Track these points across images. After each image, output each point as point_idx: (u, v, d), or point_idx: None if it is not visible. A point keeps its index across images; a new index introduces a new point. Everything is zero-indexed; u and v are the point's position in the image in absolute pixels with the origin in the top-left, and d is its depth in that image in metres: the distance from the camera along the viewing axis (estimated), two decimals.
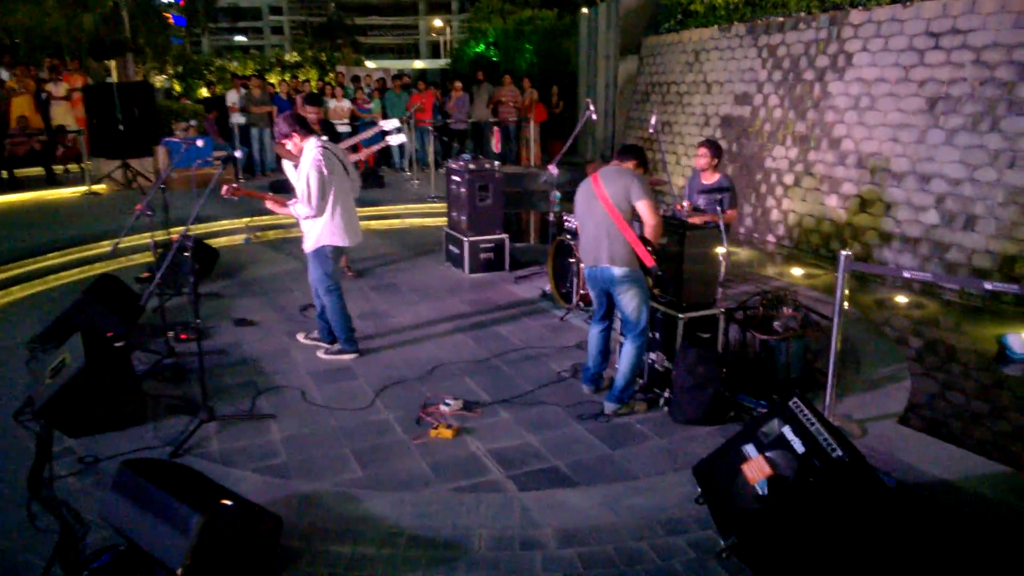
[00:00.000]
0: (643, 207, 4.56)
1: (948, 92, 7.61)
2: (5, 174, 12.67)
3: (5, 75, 14.51)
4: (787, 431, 3.25)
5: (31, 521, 3.55)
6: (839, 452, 3.05)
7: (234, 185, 5.23)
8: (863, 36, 8.65)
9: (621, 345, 4.92)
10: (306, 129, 5.36)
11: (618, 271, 4.63)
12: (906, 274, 4.23)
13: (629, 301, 4.69)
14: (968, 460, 4.15)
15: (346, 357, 5.75)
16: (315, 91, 14.92)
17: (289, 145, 5.35)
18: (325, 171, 5.23)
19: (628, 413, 4.78)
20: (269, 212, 5.90)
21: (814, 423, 3.21)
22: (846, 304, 4.37)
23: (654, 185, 7.12)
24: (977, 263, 7.18)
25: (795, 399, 3.38)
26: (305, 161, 5.24)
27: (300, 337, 6.10)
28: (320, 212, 5.30)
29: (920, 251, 7.71)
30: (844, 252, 4.28)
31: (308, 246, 5.55)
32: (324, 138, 5.70)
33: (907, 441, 4.38)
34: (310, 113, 7.57)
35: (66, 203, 11.76)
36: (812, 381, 5.00)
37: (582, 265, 4.91)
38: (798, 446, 3.16)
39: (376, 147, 7.65)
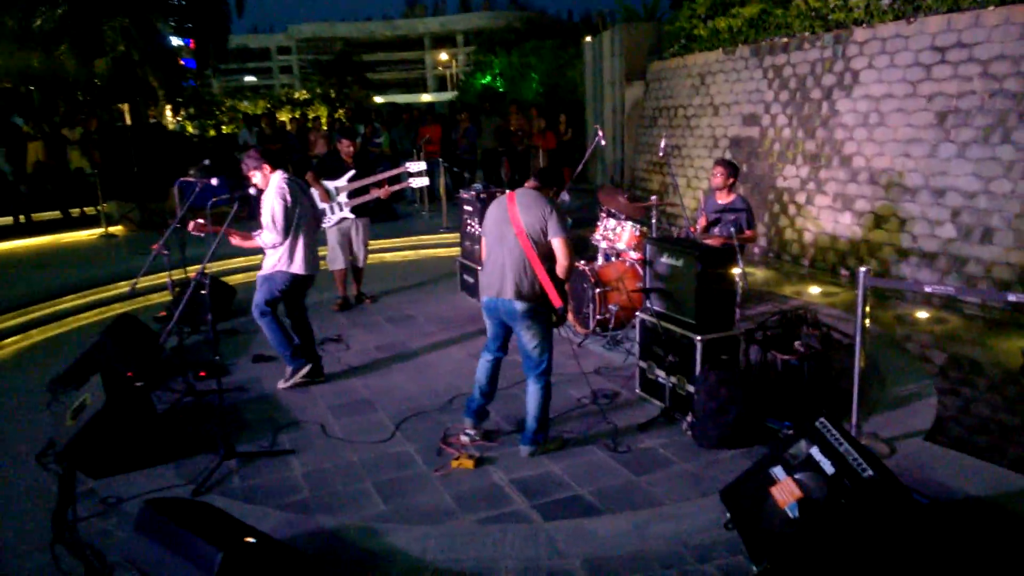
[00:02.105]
0: (558, 245, 4.30)
1: (957, 105, 7.60)
2: (23, 218, 12.85)
3: (20, 121, 14.79)
4: (815, 452, 3.21)
5: (56, 564, 3.53)
6: (869, 472, 3.00)
7: (200, 221, 5.42)
8: (868, 53, 8.67)
9: (526, 386, 4.58)
10: (272, 164, 5.58)
11: (520, 306, 4.32)
12: (927, 288, 4.20)
13: (531, 338, 4.41)
14: (998, 475, 4.07)
15: (301, 374, 5.79)
16: (346, 124, 15.10)
17: (258, 178, 5.54)
18: (289, 200, 5.45)
19: (543, 452, 4.56)
20: None
21: (842, 443, 3.17)
22: (867, 321, 4.33)
23: (667, 206, 7.12)
24: (997, 275, 7.11)
25: (821, 419, 3.34)
26: (270, 191, 5.47)
27: (280, 384, 5.91)
28: (285, 240, 5.50)
29: (938, 265, 7.64)
30: (863, 268, 4.25)
31: (263, 270, 5.69)
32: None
33: (936, 458, 4.31)
34: (346, 146, 7.65)
35: (83, 245, 11.90)
36: (837, 400, 4.94)
37: (482, 296, 4.59)
38: (827, 467, 3.11)
39: (399, 186, 7.66)
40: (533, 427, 4.56)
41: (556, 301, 4.36)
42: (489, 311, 4.57)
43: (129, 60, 14.20)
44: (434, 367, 6.26)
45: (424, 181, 7.90)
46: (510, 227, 4.36)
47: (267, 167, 5.54)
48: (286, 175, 5.62)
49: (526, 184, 4.62)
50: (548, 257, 4.36)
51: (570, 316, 7.01)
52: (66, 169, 13.90)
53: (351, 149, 7.69)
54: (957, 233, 7.51)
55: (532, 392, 4.54)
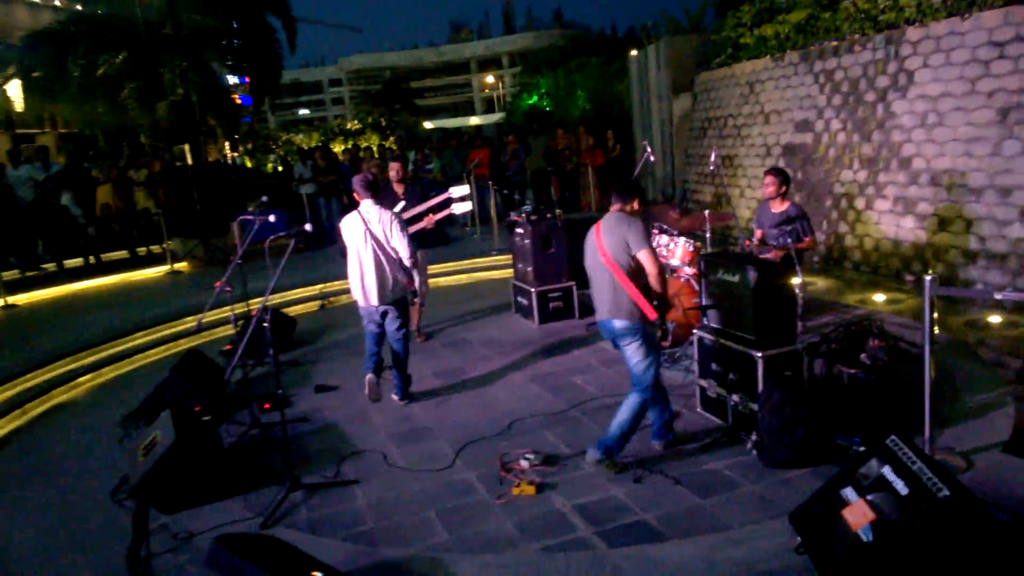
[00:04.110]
0: (643, 257, 4.45)
1: (1020, 101, 7.32)
2: (92, 259, 13.37)
3: (87, 165, 15.46)
4: (887, 472, 3.10)
5: None
6: (945, 491, 2.89)
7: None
8: (923, 52, 8.44)
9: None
10: (371, 194, 5.89)
11: (619, 324, 4.52)
12: (998, 296, 4.03)
13: (633, 354, 4.56)
14: None
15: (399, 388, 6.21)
16: (397, 152, 15.38)
17: None
18: (342, 231, 5.95)
19: (607, 468, 4.54)
20: (338, 278, 6.09)
21: (916, 461, 3.05)
22: (936, 330, 4.18)
23: (722, 220, 7.02)
24: None
25: (892, 437, 3.22)
26: None
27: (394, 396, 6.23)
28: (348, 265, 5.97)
29: (1008, 266, 7.35)
30: (928, 277, 4.11)
31: None
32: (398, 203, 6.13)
33: (1016, 471, 4.13)
34: (395, 169, 7.60)
35: (150, 283, 12.32)
36: (908, 413, 4.76)
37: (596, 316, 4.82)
38: (900, 487, 3.00)
39: (442, 214, 7.45)
40: (615, 435, 4.58)
41: (650, 314, 4.48)
42: (602, 331, 4.81)
43: (188, 102, 14.70)
44: (491, 392, 6.27)
45: (468, 206, 7.86)
46: (598, 254, 4.57)
47: (359, 197, 5.90)
48: (362, 207, 5.87)
49: (611, 207, 4.76)
50: (640, 273, 4.50)
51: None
52: (133, 210, 14.44)
53: (398, 174, 7.52)
54: None
55: (629, 401, 4.61)
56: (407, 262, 5.87)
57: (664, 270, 4.58)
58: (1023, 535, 3.45)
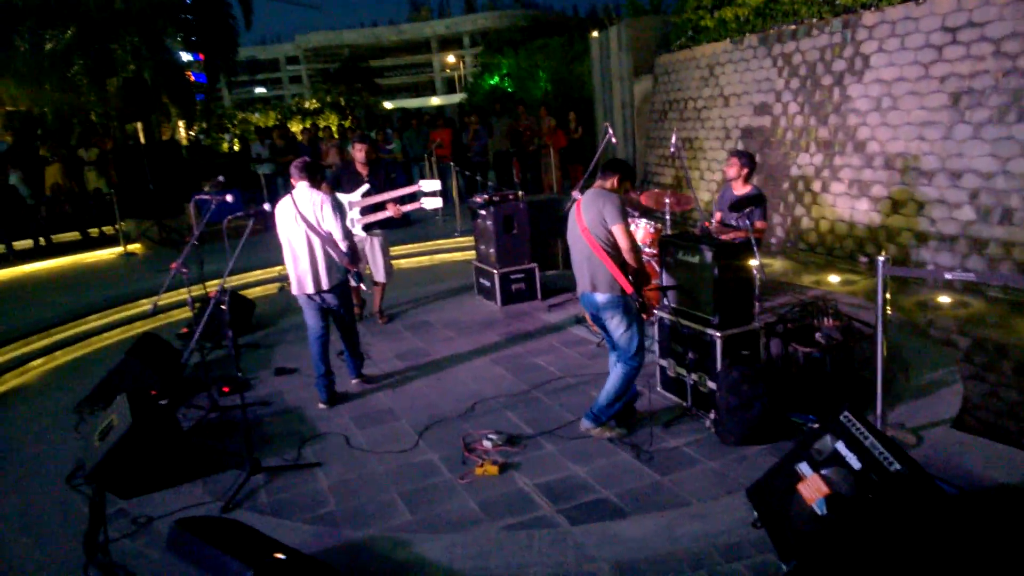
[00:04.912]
0: (617, 232, 4.56)
1: (971, 86, 7.51)
2: (43, 240, 13.01)
3: (36, 144, 15.00)
4: (840, 447, 3.18)
5: None
6: (896, 465, 2.98)
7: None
8: (878, 37, 8.59)
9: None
10: (307, 177, 5.59)
11: (600, 297, 4.65)
12: (948, 276, 4.15)
13: (616, 327, 4.70)
14: None
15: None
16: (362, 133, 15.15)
17: None
18: (275, 219, 5.62)
19: (601, 435, 4.78)
20: None
21: (868, 437, 3.14)
22: (888, 309, 4.29)
23: (680, 203, 7.10)
24: (1018, 256, 7.01)
25: (845, 413, 3.31)
26: None
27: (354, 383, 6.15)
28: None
29: (958, 248, 7.56)
30: (881, 258, 4.21)
31: None
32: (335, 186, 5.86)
33: (964, 446, 4.27)
34: (359, 151, 7.47)
35: (103, 265, 12.03)
36: (861, 391, 4.89)
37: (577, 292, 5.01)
38: (853, 462, 3.09)
39: (411, 207, 7.39)
40: (603, 404, 4.76)
41: (626, 288, 4.59)
42: (584, 306, 4.95)
43: (140, 78, 14.34)
44: (454, 374, 6.27)
45: (437, 202, 7.48)
46: (577, 227, 4.69)
47: (294, 180, 5.60)
48: (294, 191, 5.55)
49: (594, 184, 4.85)
50: (618, 247, 4.61)
51: (586, 316, 6.98)
52: (84, 190, 14.06)
53: (363, 155, 7.41)
54: (976, 215, 7.41)
55: (616, 372, 4.75)
56: (342, 245, 5.54)
57: (639, 245, 4.70)
58: (970, 508, 3.59)
